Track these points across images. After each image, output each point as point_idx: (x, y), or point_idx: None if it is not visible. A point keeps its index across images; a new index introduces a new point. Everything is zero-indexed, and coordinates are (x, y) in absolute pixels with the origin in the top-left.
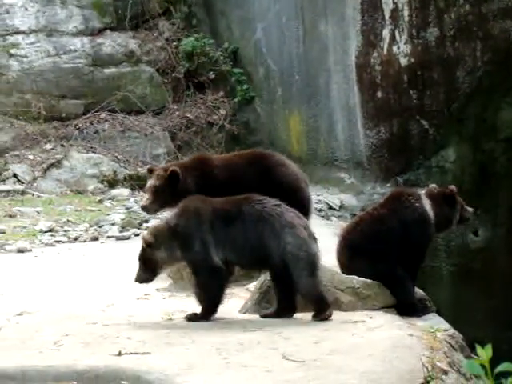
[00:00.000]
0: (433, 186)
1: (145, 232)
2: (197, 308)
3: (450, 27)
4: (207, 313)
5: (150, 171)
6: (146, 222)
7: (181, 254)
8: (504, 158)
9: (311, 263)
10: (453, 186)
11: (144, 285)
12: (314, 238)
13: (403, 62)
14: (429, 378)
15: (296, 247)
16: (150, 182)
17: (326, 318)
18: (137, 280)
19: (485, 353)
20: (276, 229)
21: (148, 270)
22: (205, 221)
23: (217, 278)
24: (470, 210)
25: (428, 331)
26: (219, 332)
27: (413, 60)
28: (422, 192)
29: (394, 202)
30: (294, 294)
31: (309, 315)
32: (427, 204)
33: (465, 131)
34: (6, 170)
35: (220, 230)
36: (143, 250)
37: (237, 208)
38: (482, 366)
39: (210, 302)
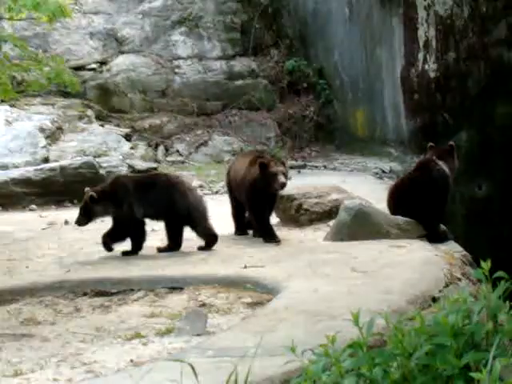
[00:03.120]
0: (430, 144)
1: (88, 189)
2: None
3: (464, 52)
4: (135, 249)
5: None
6: None
7: (113, 210)
8: None
9: (206, 213)
10: (452, 142)
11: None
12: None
13: (432, 75)
14: (448, 283)
15: (196, 202)
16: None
17: (211, 247)
18: (76, 223)
19: (486, 265)
20: (182, 190)
21: (85, 217)
22: (129, 189)
23: (138, 227)
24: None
25: (448, 252)
26: (310, 253)
27: (438, 74)
28: (434, 157)
29: (422, 167)
30: (181, 235)
31: (371, 243)
32: (443, 164)
33: (468, 122)
34: (172, 147)
35: (141, 195)
36: (86, 203)
37: (152, 179)
38: (484, 274)
39: (136, 243)
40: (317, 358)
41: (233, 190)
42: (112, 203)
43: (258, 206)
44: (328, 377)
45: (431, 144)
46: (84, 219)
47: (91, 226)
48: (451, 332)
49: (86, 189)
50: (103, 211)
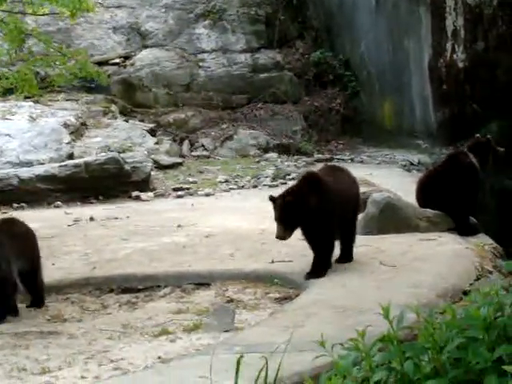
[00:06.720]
0: (476, 136)
1: None
2: None
3: (493, 41)
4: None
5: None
6: (288, 175)
7: None
8: None
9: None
10: (489, 136)
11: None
12: None
13: (460, 65)
14: (479, 276)
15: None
16: None
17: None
18: None
19: None
20: (35, 239)
21: None
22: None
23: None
24: (502, 149)
25: (478, 245)
26: (337, 247)
27: (467, 64)
28: (466, 150)
29: (451, 160)
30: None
31: (400, 236)
32: (473, 158)
33: (498, 113)
34: (197, 142)
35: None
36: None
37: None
38: None
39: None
40: (347, 353)
41: None
42: None
43: None
44: (358, 371)
45: (477, 135)
46: None
47: (116, 222)
48: (483, 325)
49: None
50: None
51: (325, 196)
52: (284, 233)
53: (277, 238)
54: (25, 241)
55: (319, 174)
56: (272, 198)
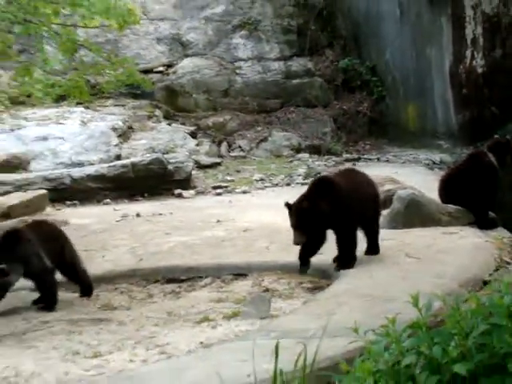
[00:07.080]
0: (496, 137)
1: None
2: None
3: (510, 48)
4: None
5: None
6: (319, 173)
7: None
8: None
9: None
10: (508, 137)
11: None
12: None
13: (479, 70)
14: (498, 267)
15: (74, 250)
16: None
17: (90, 296)
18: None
19: None
20: (68, 239)
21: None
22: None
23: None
24: None
25: (497, 238)
26: (365, 241)
27: (485, 69)
28: (486, 150)
29: (472, 159)
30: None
31: (424, 230)
32: (492, 157)
33: None
34: (234, 143)
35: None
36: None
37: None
38: None
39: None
40: (378, 339)
41: None
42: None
43: None
44: (389, 356)
45: (497, 136)
46: None
47: (161, 218)
48: (507, 312)
49: None
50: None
51: (338, 197)
52: (301, 239)
53: (294, 244)
54: (53, 238)
55: (332, 176)
56: (288, 205)
